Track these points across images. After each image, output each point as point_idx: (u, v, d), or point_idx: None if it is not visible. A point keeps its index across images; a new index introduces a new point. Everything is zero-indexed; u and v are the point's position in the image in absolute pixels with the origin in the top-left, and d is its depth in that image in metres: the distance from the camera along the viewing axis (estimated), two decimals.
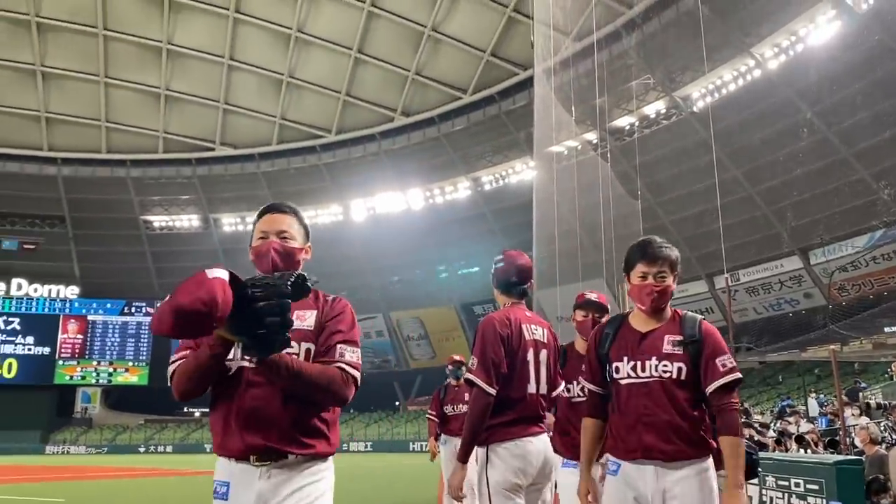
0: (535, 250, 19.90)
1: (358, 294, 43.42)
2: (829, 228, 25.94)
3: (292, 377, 2.04)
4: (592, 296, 4.14)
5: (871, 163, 25.14)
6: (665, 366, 2.69)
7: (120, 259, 43.53)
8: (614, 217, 22.36)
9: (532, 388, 3.32)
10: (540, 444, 3.26)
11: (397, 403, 47.91)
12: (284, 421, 2.09)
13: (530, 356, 3.31)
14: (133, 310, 44.55)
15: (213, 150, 41.68)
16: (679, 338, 2.74)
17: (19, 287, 42.38)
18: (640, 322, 2.85)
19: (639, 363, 2.74)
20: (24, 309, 42.73)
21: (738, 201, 28.20)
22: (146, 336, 44.43)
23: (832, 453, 10.25)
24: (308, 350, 2.19)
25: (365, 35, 35.08)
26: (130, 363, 44.32)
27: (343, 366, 2.18)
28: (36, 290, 42.79)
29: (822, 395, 20.44)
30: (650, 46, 28.35)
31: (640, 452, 2.66)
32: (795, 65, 25.13)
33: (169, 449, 41.87)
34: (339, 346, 2.22)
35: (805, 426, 14.23)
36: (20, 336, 42.31)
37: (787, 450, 11.43)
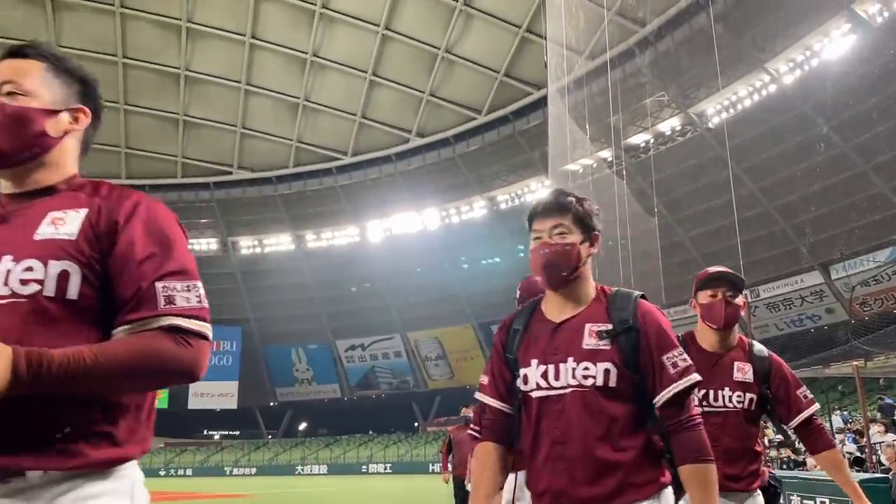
0: None
1: (375, 315, 43.48)
2: (848, 243, 25.70)
3: (72, 381, 1.17)
4: (721, 268, 3.04)
5: (889, 176, 24.93)
6: (587, 369, 1.87)
7: None
8: (632, 234, 22.32)
9: None
10: None
11: (416, 424, 47.71)
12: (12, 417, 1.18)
13: None
14: None
15: (230, 173, 42.11)
16: (606, 326, 1.93)
17: None
18: (554, 308, 2.04)
19: (551, 367, 1.92)
20: None
21: (756, 217, 28.01)
22: None
23: (858, 471, 10.08)
24: (63, 275, 1.27)
25: (379, 58, 35.42)
26: None
27: (175, 322, 1.31)
28: None
29: (846, 412, 20.13)
30: (664, 64, 28.40)
31: (547, 498, 1.88)
32: (811, 79, 25.05)
33: (189, 472, 41.91)
34: (156, 284, 1.32)
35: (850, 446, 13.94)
36: None
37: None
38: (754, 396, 2.68)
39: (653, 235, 23.97)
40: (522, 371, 2.00)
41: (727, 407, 2.66)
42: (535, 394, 1.96)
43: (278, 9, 34.35)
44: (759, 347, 2.80)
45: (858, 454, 11.89)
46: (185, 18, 34.69)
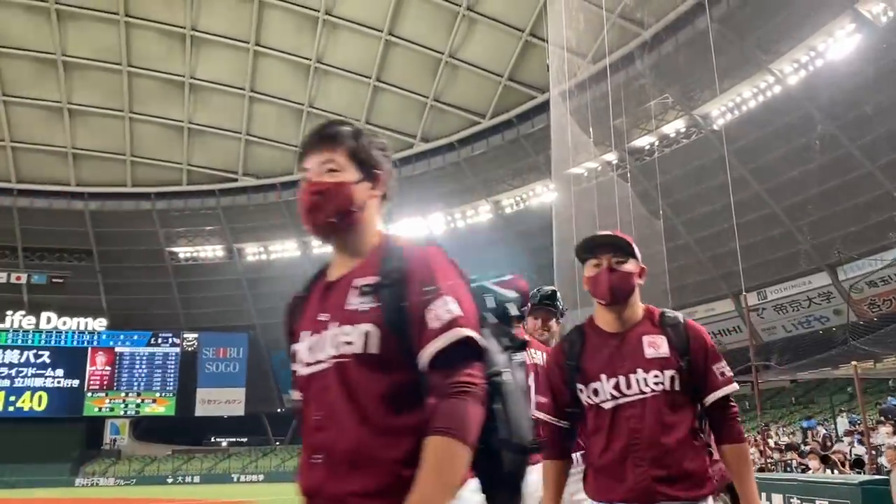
0: (555, 273, 19.84)
1: None
2: (855, 244, 25.60)
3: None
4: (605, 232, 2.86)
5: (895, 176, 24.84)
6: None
7: (146, 290, 44.03)
8: (636, 237, 22.24)
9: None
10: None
11: None
12: None
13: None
14: (160, 341, 44.90)
15: (236, 180, 42.22)
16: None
17: (48, 321, 42.95)
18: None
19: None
20: (53, 342, 43.26)
21: (762, 218, 27.94)
22: (173, 366, 44.74)
23: (858, 473, 10.02)
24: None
25: (383, 63, 35.50)
26: (158, 394, 44.58)
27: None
28: (65, 324, 43.32)
29: (854, 415, 20.03)
30: (667, 66, 28.38)
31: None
32: (815, 80, 25.00)
33: (196, 479, 41.90)
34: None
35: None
36: (50, 369, 42.78)
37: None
38: (675, 373, 2.27)
39: (658, 238, 23.89)
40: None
41: (644, 393, 2.25)
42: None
43: (282, 16, 34.47)
44: (671, 314, 2.46)
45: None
46: (189, 26, 34.83)
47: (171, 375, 44.75)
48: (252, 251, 44.55)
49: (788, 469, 14.48)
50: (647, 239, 24.53)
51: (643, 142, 30.51)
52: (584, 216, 21.32)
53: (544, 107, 31.90)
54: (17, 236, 42.10)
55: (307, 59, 35.80)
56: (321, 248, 43.74)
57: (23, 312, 42.37)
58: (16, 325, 42.27)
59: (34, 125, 38.44)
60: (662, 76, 28.97)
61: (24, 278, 42.19)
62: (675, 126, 29.96)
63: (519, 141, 36.06)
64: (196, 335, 45.00)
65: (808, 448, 14.61)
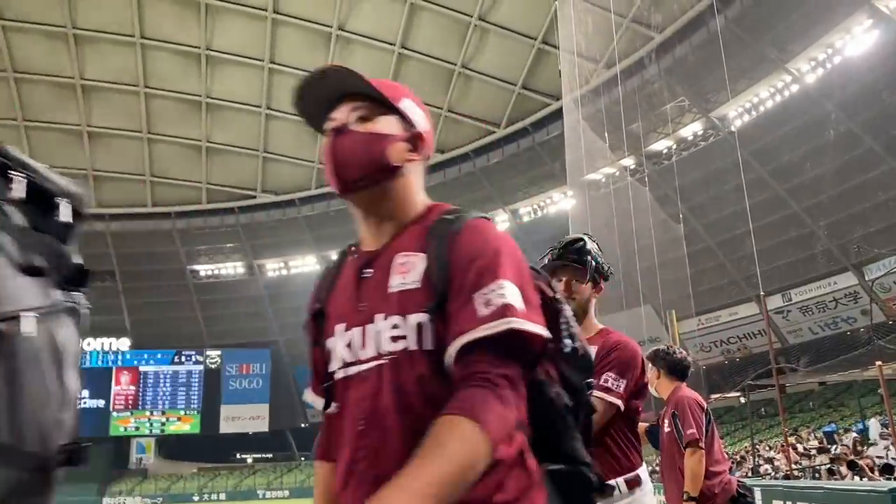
0: None
1: None
2: (880, 241, 25.19)
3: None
4: None
5: None
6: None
7: (169, 309, 44.33)
8: (657, 242, 22.06)
9: None
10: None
11: None
12: None
13: None
14: (183, 359, 45.15)
15: (254, 197, 42.46)
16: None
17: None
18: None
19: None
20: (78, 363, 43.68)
21: (783, 219, 27.59)
22: (197, 384, 44.95)
23: (888, 479, 9.74)
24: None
25: (396, 76, 35.57)
26: (182, 412, 44.79)
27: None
28: (89, 345, 43.67)
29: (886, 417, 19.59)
30: (682, 68, 28.20)
31: None
32: (833, 78, 24.71)
33: (223, 497, 42.01)
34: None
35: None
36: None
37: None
38: (426, 319, 1.35)
39: (679, 242, 23.67)
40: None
41: (379, 356, 1.38)
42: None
43: (295, 33, 34.72)
44: (454, 215, 1.46)
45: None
46: (204, 46, 35.17)
47: (196, 393, 44.96)
48: (272, 267, 44.73)
49: (816, 476, 14.17)
50: (667, 243, 24.32)
51: (660, 146, 30.28)
52: (602, 222, 21.16)
53: (559, 114, 31.81)
54: None
55: None
56: None
57: None
58: None
59: (55, 149, 38.90)
60: (677, 79, 28.78)
61: None
62: (692, 129, 29.71)
63: (534, 149, 35.96)
64: (219, 352, 45.21)
65: (835, 453, 14.30)
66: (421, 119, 1.57)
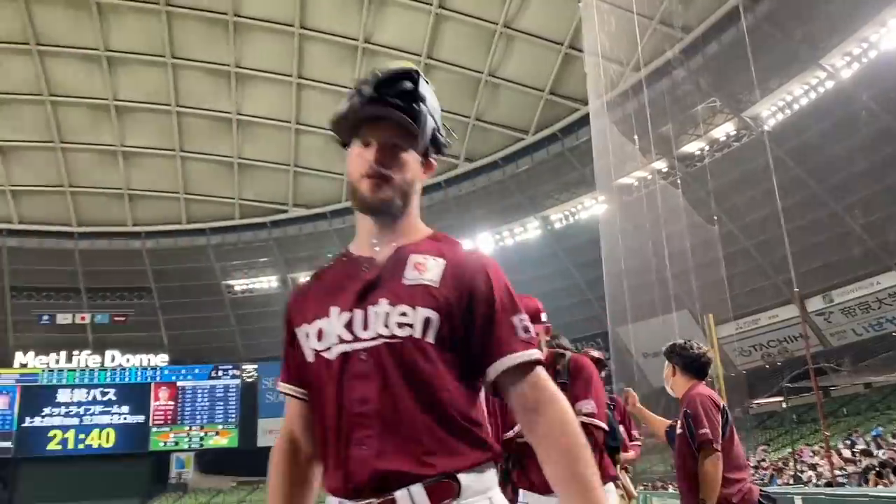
0: (606, 287, 19.38)
1: None
2: None
3: None
4: None
5: None
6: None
7: (205, 325, 44.80)
8: (692, 245, 21.68)
9: None
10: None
11: None
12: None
13: None
14: (220, 373, 45.55)
15: (286, 211, 42.78)
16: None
17: (113, 359, 43.99)
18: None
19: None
20: (118, 379, 44.28)
21: (822, 219, 26.94)
22: (234, 398, 45.29)
23: None
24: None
25: None
26: (220, 426, 45.15)
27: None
28: (128, 361, 44.32)
29: None
30: (712, 68, 27.77)
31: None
32: (870, 72, 24.09)
33: None
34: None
35: None
36: (116, 406, 43.76)
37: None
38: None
39: (714, 245, 23.22)
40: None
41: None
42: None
43: (322, 47, 34.99)
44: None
45: None
46: (233, 64, 35.60)
47: (233, 407, 45.30)
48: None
49: (864, 483, 13.69)
50: (702, 246, 23.90)
51: (692, 147, 29.82)
52: (635, 227, 20.85)
53: (588, 119, 31.55)
54: (80, 278, 43.35)
55: (348, 87, 35.97)
56: None
57: (88, 351, 43.52)
58: (82, 365, 43.42)
59: (91, 169, 39.71)
60: (707, 79, 28.35)
61: (87, 318, 43.43)
62: (724, 129, 29.20)
63: (564, 154, 35.69)
64: (255, 366, 45.51)
65: (881, 458, 13.81)
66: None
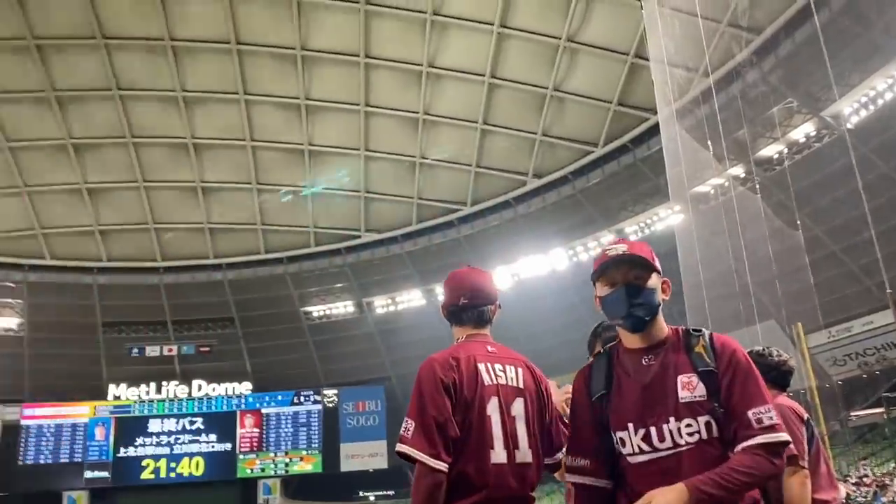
0: (686, 300, 18.75)
1: None
2: None
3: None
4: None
5: None
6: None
7: (285, 351, 45.73)
8: (775, 252, 20.84)
9: (501, 457, 2.34)
10: None
11: None
12: None
13: (493, 409, 2.36)
14: (302, 399, 46.29)
15: (359, 237, 43.39)
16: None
17: (199, 388, 45.35)
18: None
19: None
20: (205, 408, 45.58)
21: None
22: (316, 423, 45.91)
23: None
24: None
25: (489, 106, 35.74)
26: (304, 452, 45.79)
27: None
28: (214, 390, 45.58)
29: None
30: (787, 68, 26.81)
31: None
32: None
33: None
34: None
35: None
36: (204, 434, 45.01)
37: None
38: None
39: (799, 251, 22.23)
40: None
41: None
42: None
43: (388, 74, 35.54)
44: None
45: None
46: (303, 96, 36.51)
47: (315, 432, 45.92)
48: (381, 304, 45.37)
49: None
50: (786, 253, 22.95)
51: (770, 151, 28.78)
52: (713, 235, 20.18)
53: (659, 128, 30.91)
54: (167, 311, 44.97)
55: (415, 112, 36.58)
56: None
57: (176, 382, 45.00)
58: (171, 395, 44.91)
59: (173, 206, 41.27)
60: (783, 80, 27.36)
61: (175, 350, 44.98)
62: (803, 130, 28.08)
63: (636, 165, 35.00)
64: (335, 391, 46.09)
65: None
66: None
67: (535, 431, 2.46)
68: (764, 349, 3.92)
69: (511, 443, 2.37)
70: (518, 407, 2.45)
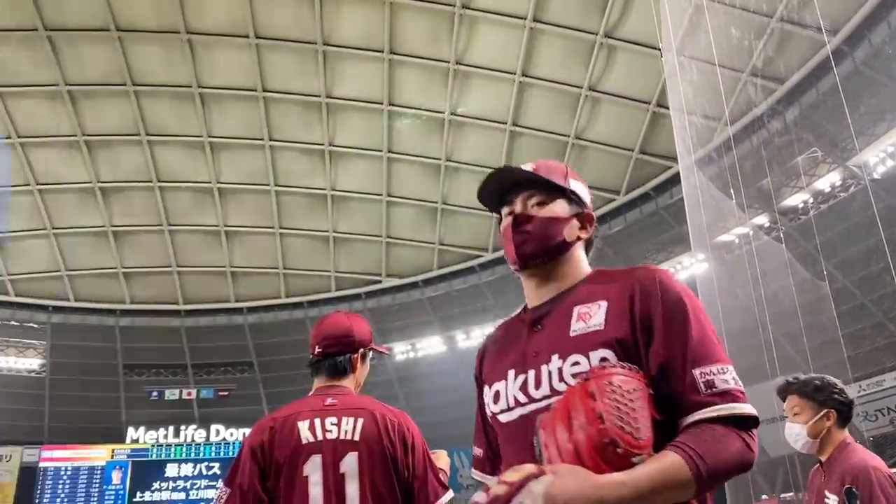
0: None
1: None
2: None
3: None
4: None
5: None
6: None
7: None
8: (801, 303, 20.39)
9: None
10: None
11: None
12: None
13: (311, 468, 2.24)
14: None
15: (380, 282, 43.35)
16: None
17: (217, 433, 45.03)
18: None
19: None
20: (222, 454, 45.19)
21: None
22: None
23: None
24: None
25: (510, 152, 35.87)
26: None
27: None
28: (231, 435, 45.21)
29: None
30: (811, 118, 26.64)
31: None
32: None
33: None
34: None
35: None
36: (220, 480, 44.52)
37: None
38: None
39: (826, 302, 21.71)
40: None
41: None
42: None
43: (410, 123, 35.91)
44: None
45: None
46: (326, 143, 36.97)
47: None
48: (400, 350, 45.04)
49: None
50: (813, 304, 22.46)
51: (794, 200, 28.42)
52: (737, 285, 19.80)
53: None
54: (186, 354, 45.03)
55: (437, 159, 36.82)
56: (466, 342, 43.73)
57: (194, 426, 44.75)
58: (189, 440, 44.64)
59: (196, 249, 41.65)
60: (807, 129, 27.15)
61: (193, 394, 44.86)
62: (828, 180, 27.73)
63: (658, 213, 34.79)
64: None
65: None
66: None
67: (372, 486, 2.21)
68: (830, 379, 3.35)
69: (336, 502, 2.16)
70: (349, 462, 2.27)
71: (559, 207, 1.78)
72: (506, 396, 1.65)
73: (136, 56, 33.47)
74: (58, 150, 36.56)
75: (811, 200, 27.96)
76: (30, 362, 43.24)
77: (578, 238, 1.82)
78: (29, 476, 42.83)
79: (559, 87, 33.11)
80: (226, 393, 44.87)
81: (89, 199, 38.61)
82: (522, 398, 1.60)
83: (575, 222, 1.81)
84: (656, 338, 1.51)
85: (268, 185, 38.98)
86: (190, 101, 35.20)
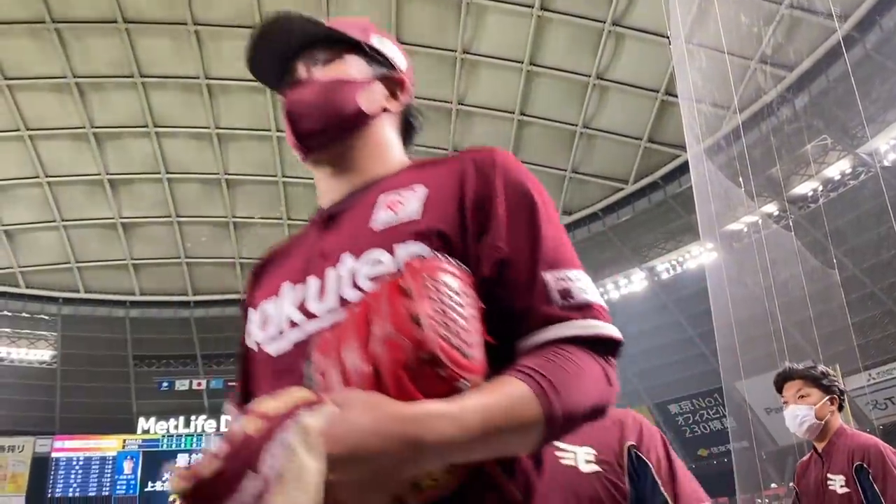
0: (718, 340, 18.28)
1: None
2: None
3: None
4: None
5: None
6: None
7: None
8: (811, 292, 20.32)
9: None
10: None
11: None
12: None
13: None
14: None
15: None
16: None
17: (227, 423, 45.29)
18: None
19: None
20: None
21: None
22: None
23: None
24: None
25: (517, 142, 35.78)
26: None
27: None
28: None
29: None
30: (821, 105, 26.44)
31: None
32: None
33: None
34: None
35: None
36: None
37: None
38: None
39: (836, 290, 21.62)
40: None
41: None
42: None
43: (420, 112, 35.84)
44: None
45: None
46: None
47: None
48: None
49: None
50: (823, 293, 22.38)
51: (804, 188, 28.27)
52: (746, 274, 19.73)
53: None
54: (196, 345, 45.26)
55: (444, 149, 36.57)
56: None
57: (204, 416, 45.04)
58: (199, 430, 44.92)
59: (204, 240, 41.77)
60: (816, 117, 26.97)
61: (203, 384, 45.11)
62: (838, 168, 27.57)
63: (667, 202, 34.67)
64: None
65: None
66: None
67: None
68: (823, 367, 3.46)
69: None
70: None
71: (352, 68, 1.31)
72: (278, 318, 1.21)
73: (144, 48, 33.49)
74: (66, 142, 36.67)
75: (821, 188, 27.80)
76: (41, 354, 43.55)
77: (385, 110, 1.35)
78: (41, 466, 43.20)
79: (567, 75, 32.96)
80: (235, 383, 45.06)
81: (98, 191, 38.73)
82: (298, 317, 1.15)
83: (378, 87, 1.34)
84: (495, 229, 1.13)
85: (275, 175, 39.01)
86: (197, 92, 35.22)
